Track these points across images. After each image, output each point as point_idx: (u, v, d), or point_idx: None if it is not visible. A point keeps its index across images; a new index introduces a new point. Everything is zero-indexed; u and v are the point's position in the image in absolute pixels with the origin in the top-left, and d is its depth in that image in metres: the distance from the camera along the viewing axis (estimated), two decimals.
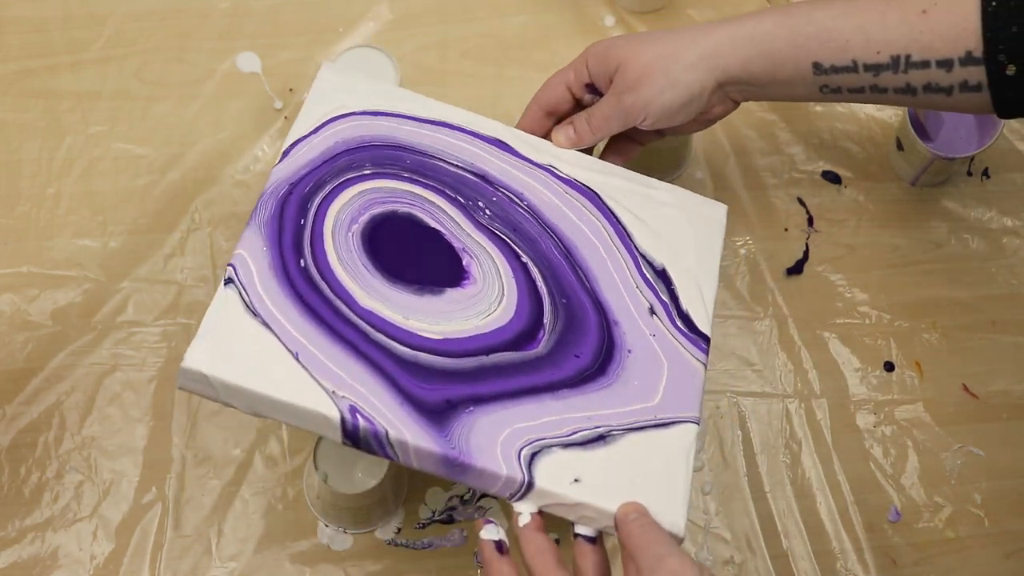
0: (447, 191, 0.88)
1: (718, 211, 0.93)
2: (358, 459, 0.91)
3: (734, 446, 1.00)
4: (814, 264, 1.06)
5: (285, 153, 0.88)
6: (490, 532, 0.77)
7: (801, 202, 1.08)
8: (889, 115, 1.11)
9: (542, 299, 0.85)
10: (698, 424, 0.83)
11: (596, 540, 0.77)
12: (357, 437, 0.76)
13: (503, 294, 0.85)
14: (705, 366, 0.86)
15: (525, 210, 0.89)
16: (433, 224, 0.87)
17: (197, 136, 1.08)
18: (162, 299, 1.02)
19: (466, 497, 0.97)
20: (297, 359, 0.78)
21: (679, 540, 0.77)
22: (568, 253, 0.88)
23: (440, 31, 1.14)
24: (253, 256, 0.82)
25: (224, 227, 1.05)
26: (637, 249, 0.89)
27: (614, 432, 0.81)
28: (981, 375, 1.03)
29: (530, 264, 0.86)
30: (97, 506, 0.96)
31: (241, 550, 0.95)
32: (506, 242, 0.87)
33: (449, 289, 0.84)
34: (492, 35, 1.14)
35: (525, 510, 0.77)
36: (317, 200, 0.86)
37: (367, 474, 0.90)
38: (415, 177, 0.88)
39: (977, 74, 0.80)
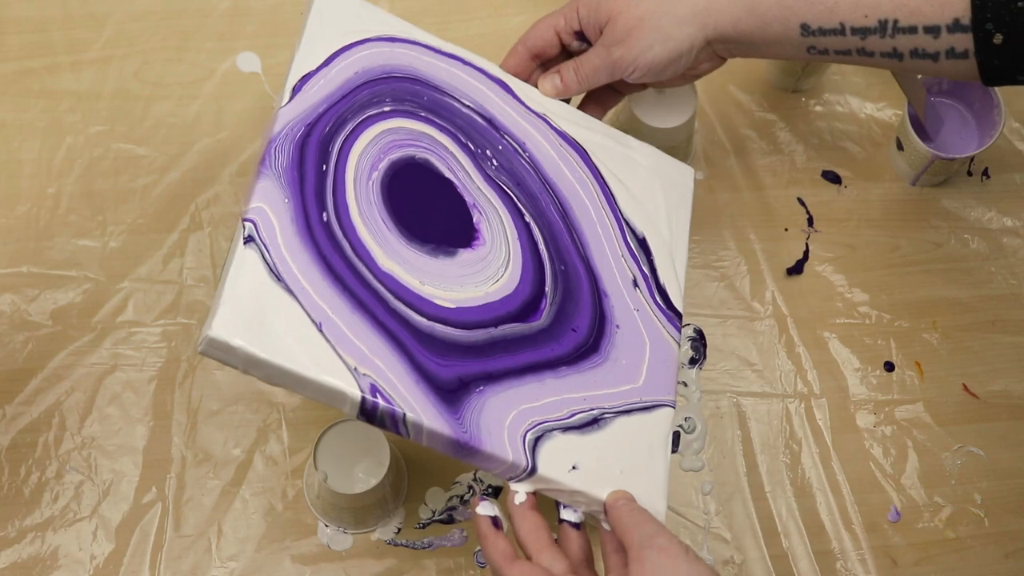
0: (460, 136, 0.87)
1: (686, 175, 0.93)
2: (358, 459, 0.91)
3: (734, 446, 1.00)
4: (814, 264, 1.06)
5: (295, 90, 0.83)
6: (486, 508, 0.78)
7: (801, 202, 1.08)
8: (889, 115, 1.11)
9: (544, 265, 0.85)
10: (674, 407, 0.85)
11: (580, 526, 0.79)
12: (374, 416, 0.76)
13: (509, 258, 0.84)
14: (679, 344, 0.87)
15: (527, 162, 0.88)
16: (447, 174, 0.85)
17: (197, 136, 1.08)
18: (162, 299, 1.02)
19: (466, 497, 0.97)
20: (321, 331, 0.76)
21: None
22: (565, 214, 0.88)
23: (440, 31, 1.14)
24: (274, 209, 0.78)
25: (224, 227, 1.05)
26: (621, 214, 0.89)
27: (606, 415, 0.82)
28: (981, 375, 1.03)
29: (532, 224, 0.86)
30: (97, 506, 0.96)
31: (241, 550, 0.95)
32: (511, 198, 0.86)
33: (462, 250, 0.83)
34: (492, 35, 1.14)
35: (521, 490, 0.79)
36: (339, 141, 0.82)
37: (367, 474, 0.90)
38: (431, 117, 0.86)
39: (964, 41, 0.80)
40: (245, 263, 0.75)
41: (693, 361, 1.02)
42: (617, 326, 0.85)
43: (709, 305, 1.04)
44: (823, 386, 1.02)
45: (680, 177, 0.93)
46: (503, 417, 0.79)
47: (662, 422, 0.84)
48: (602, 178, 0.90)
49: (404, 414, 0.76)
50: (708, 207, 1.07)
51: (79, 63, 1.10)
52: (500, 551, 0.76)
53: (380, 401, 0.75)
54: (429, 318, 0.80)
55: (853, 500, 0.99)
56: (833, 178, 1.09)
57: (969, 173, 1.10)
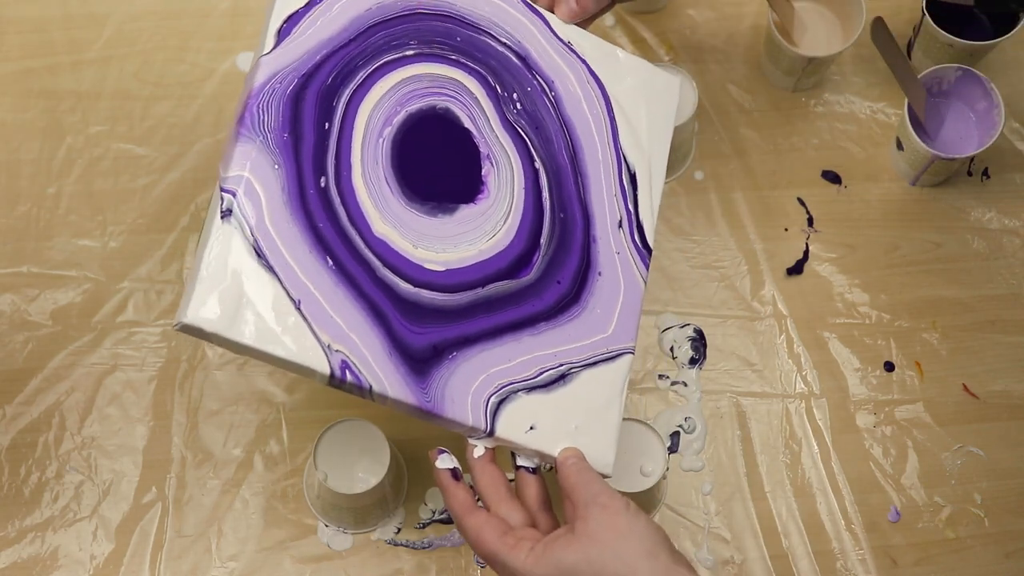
0: (489, 78, 0.82)
1: (671, 86, 0.89)
2: (358, 459, 0.91)
3: (734, 446, 1.00)
4: (814, 264, 1.06)
5: (281, 34, 0.72)
6: (445, 461, 0.80)
7: (801, 202, 1.08)
8: (889, 115, 1.11)
9: (544, 214, 0.83)
10: (633, 353, 0.84)
11: (536, 470, 0.81)
12: (342, 386, 0.75)
13: (510, 210, 0.82)
14: (646, 283, 0.86)
15: (551, 102, 0.84)
16: (467, 124, 0.81)
17: (197, 136, 1.08)
18: (162, 299, 1.02)
19: None
20: (299, 309, 0.73)
21: (607, 477, 0.81)
22: (575, 156, 0.85)
23: None
24: (260, 177, 0.71)
25: None
26: (621, 149, 0.87)
27: (574, 369, 0.82)
28: (981, 375, 1.03)
29: (541, 171, 0.83)
30: (97, 506, 0.96)
31: (241, 550, 0.95)
32: (526, 143, 0.83)
33: (463, 206, 0.80)
34: None
35: (480, 444, 0.80)
36: (346, 94, 0.74)
37: (367, 474, 0.90)
38: (462, 59, 0.81)
39: None
40: (221, 240, 0.71)
41: (693, 361, 1.02)
42: (599, 273, 0.84)
43: (709, 305, 1.04)
44: (823, 386, 1.02)
45: (665, 91, 0.89)
46: (470, 383, 0.78)
47: (621, 371, 0.84)
48: (612, 113, 0.86)
49: (371, 387, 0.75)
50: (708, 207, 1.07)
51: (79, 63, 1.10)
52: (460, 502, 0.78)
53: (348, 376, 0.75)
54: (416, 284, 0.78)
55: (853, 500, 0.99)
56: (833, 178, 1.09)
57: (969, 173, 1.10)
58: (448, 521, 0.97)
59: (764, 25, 1.10)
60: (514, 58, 0.84)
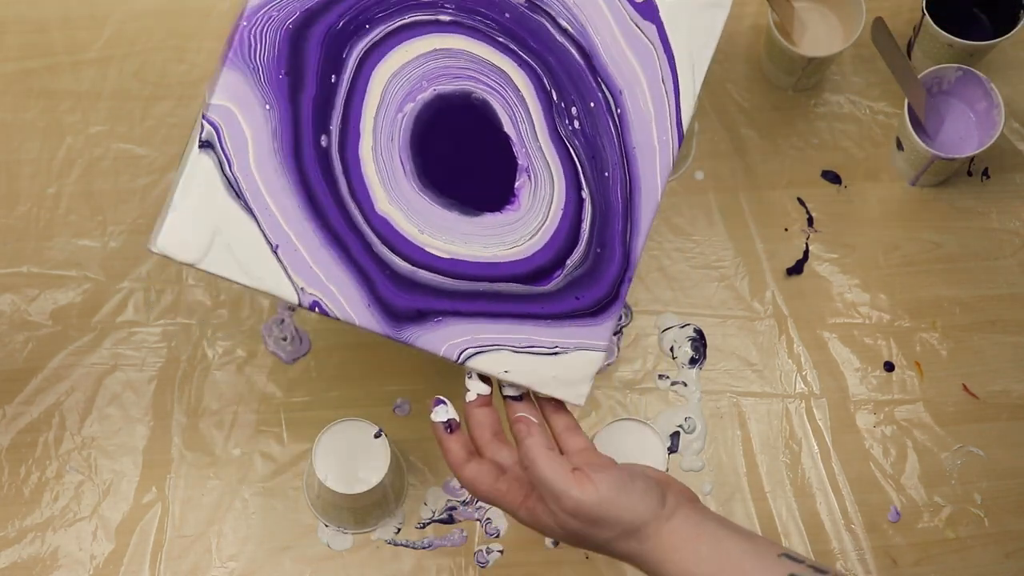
0: (545, 78, 0.71)
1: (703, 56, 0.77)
2: (358, 459, 0.91)
3: (734, 446, 1.00)
4: (814, 264, 1.06)
5: None
6: (439, 414, 0.79)
7: (801, 202, 1.08)
8: (889, 115, 1.11)
9: (578, 243, 0.75)
10: (622, 307, 0.80)
11: (522, 397, 0.80)
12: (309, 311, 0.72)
13: (540, 228, 0.74)
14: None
15: (615, 123, 0.74)
16: (507, 127, 0.71)
17: None
18: (162, 299, 1.02)
19: (466, 499, 0.97)
20: (275, 252, 0.67)
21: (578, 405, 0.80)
22: (631, 197, 0.75)
23: None
24: (248, 115, 0.64)
25: None
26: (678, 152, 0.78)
27: (569, 350, 0.78)
28: (981, 375, 1.03)
29: (587, 202, 0.74)
30: (97, 506, 0.96)
31: (241, 550, 0.96)
32: (575, 167, 0.74)
33: (488, 214, 0.73)
34: None
35: (473, 389, 0.79)
36: (360, 49, 0.65)
37: (367, 474, 0.90)
38: (511, 45, 0.69)
39: None
40: (199, 171, 0.66)
41: (693, 361, 1.02)
42: (627, 306, 0.80)
43: (709, 305, 1.04)
44: (823, 386, 1.02)
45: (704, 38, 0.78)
46: (451, 338, 0.74)
47: (608, 329, 0.78)
48: (681, 125, 0.76)
49: (338, 318, 0.71)
50: (708, 207, 1.07)
51: (79, 63, 1.10)
52: (452, 455, 0.78)
53: (318, 311, 0.70)
54: (415, 264, 0.72)
55: (853, 500, 0.99)
56: (833, 178, 1.09)
57: (969, 173, 1.10)
58: (448, 521, 0.97)
59: (764, 25, 1.10)
60: (576, 54, 0.73)
